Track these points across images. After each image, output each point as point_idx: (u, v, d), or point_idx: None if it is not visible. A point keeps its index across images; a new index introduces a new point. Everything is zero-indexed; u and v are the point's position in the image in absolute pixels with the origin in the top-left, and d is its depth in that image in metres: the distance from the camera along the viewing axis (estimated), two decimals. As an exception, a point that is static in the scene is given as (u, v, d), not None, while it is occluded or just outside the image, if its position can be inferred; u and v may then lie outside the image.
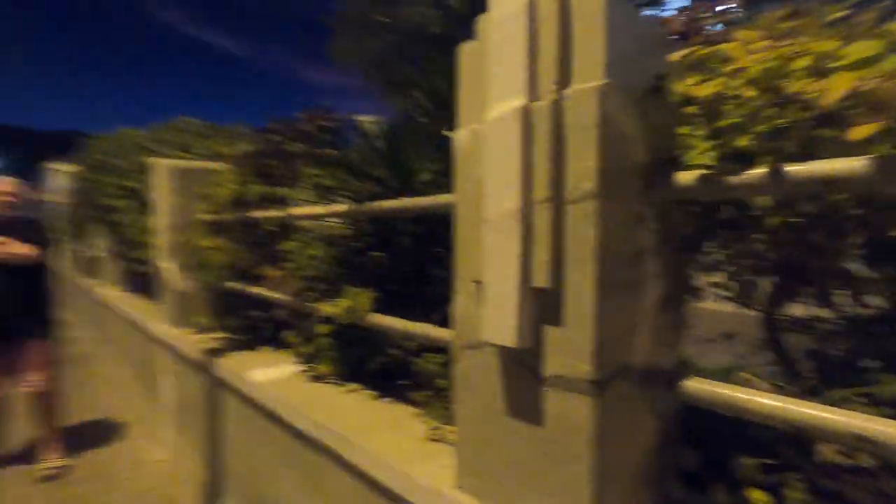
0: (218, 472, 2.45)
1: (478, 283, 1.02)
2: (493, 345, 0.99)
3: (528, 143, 0.91)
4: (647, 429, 0.98)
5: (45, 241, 3.16)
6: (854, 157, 0.71)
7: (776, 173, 0.78)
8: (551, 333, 0.91)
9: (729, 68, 0.85)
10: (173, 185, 2.86)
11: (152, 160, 3.17)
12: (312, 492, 1.68)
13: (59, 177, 7.25)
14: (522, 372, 0.96)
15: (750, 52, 0.82)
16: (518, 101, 0.91)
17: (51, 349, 3.16)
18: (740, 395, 0.81)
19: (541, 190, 0.90)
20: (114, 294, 4.70)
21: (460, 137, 1.09)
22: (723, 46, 0.83)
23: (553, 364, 0.91)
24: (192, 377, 2.69)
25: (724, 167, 0.84)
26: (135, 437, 3.55)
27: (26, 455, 3.13)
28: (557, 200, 0.88)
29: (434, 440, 1.38)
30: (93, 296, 5.45)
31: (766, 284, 1.08)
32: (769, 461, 0.90)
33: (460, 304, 1.10)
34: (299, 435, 1.69)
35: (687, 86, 0.90)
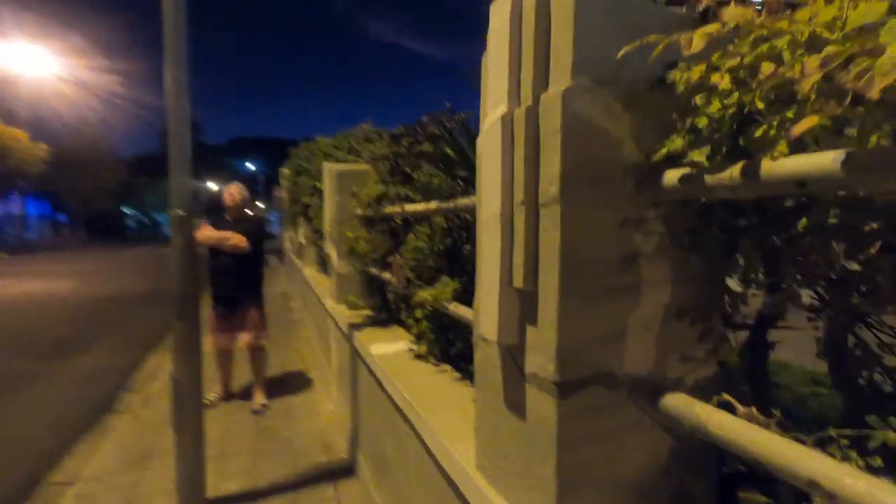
0: (356, 428, 2.92)
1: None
2: (487, 339, 1.06)
3: (509, 148, 0.94)
4: (644, 444, 0.93)
5: (262, 234, 4.11)
6: (827, 152, 0.59)
7: (747, 172, 0.68)
8: (530, 333, 0.94)
9: (716, 54, 0.75)
10: (335, 185, 3.42)
11: (325, 164, 3.82)
12: (399, 455, 1.92)
13: (284, 179, 9.08)
14: (513, 367, 1.01)
15: (736, 32, 0.72)
16: (501, 109, 0.95)
17: (262, 315, 4.12)
18: (705, 415, 0.73)
19: (519, 194, 0.93)
20: (310, 273, 5.78)
21: (478, 144, 1.15)
22: (702, 29, 0.74)
23: (530, 363, 0.94)
24: (344, 346, 3.22)
25: (707, 166, 0.76)
26: (316, 389, 4.38)
27: (243, 394, 4.15)
28: (532, 204, 0.91)
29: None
30: (301, 274, 6.76)
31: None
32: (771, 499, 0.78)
33: (476, 298, 1.17)
34: (395, 405, 1.94)
35: (684, 75, 0.82)
